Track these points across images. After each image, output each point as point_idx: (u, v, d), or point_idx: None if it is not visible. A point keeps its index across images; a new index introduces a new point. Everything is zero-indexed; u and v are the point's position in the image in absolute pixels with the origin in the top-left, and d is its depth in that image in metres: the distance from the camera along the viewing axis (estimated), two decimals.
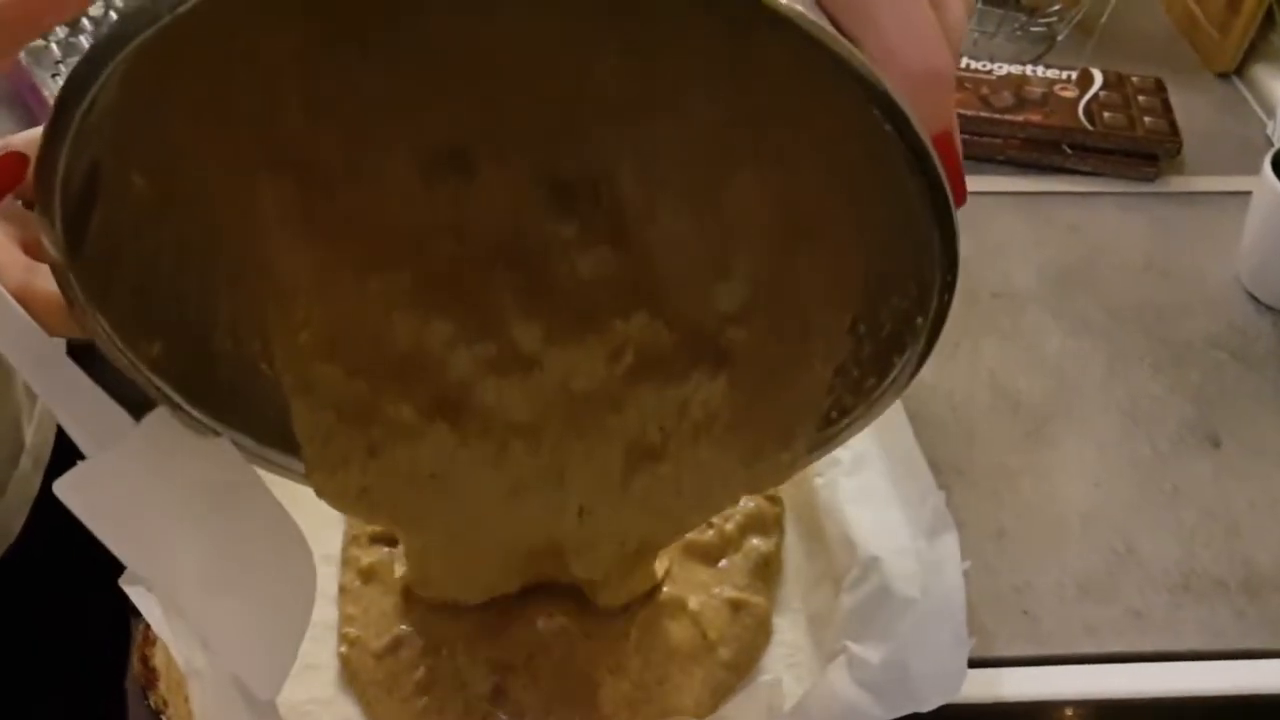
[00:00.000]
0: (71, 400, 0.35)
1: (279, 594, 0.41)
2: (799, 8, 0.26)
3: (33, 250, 0.35)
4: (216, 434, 0.40)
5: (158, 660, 0.48)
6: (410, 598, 0.54)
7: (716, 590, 0.55)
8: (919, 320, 0.36)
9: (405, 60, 0.34)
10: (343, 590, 0.56)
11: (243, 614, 0.40)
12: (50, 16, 0.32)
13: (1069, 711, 0.54)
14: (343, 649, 0.53)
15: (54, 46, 0.87)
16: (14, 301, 0.34)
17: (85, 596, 0.72)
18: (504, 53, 0.34)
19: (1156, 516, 0.61)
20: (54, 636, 0.71)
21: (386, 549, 0.58)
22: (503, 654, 0.53)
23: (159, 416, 0.38)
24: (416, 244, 0.38)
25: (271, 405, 0.41)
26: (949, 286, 0.33)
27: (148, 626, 0.48)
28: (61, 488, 0.35)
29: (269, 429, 0.42)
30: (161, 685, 0.48)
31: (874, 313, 0.39)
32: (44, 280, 0.34)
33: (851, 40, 0.28)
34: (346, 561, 0.58)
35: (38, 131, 0.30)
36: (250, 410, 0.42)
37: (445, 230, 0.38)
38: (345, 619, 0.55)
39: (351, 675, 0.53)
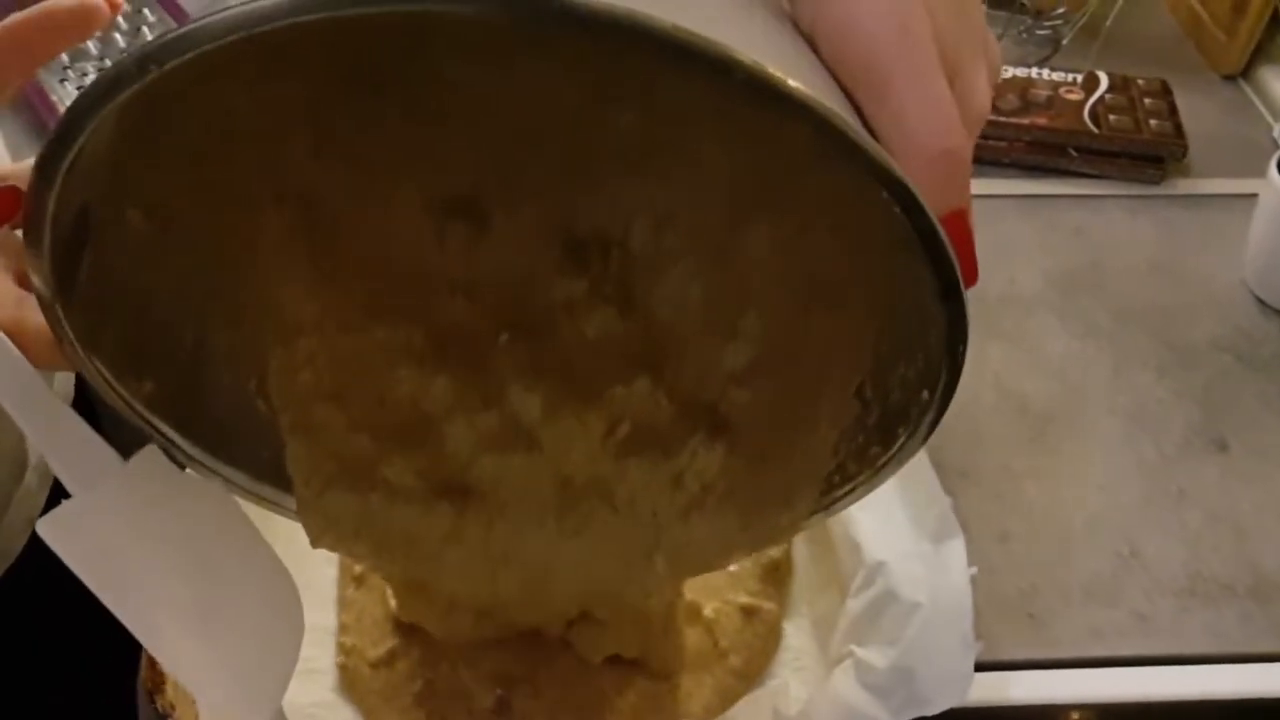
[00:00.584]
0: (57, 438, 0.35)
1: (265, 635, 0.40)
2: (813, 92, 0.26)
3: (25, 281, 0.34)
4: (209, 469, 0.40)
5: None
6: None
7: (730, 596, 0.55)
8: (925, 394, 0.36)
9: (420, 108, 0.34)
10: (340, 598, 0.56)
11: (227, 655, 0.39)
12: (66, 39, 0.31)
13: (1074, 715, 0.54)
14: (339, 659, 0.54)
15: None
16: (2, 337, 0.34)
17: (90, 608, 0.72)
18: (523, 104, 0.34)
19: (1162, 520, 0.61)
20: (59, 648, 0.71)
21: None
22: (505, 666, 0.52)
23: (146, 455, 0.37)
24: (424, 296, 0.38)
25: (266, 442, 0.41)
26: (956, 366, 0.33)
27: None
28: (44, 527, 0.34)
29: (263, 465, 0.42)
30: (169, 688, 0.48)
31: (882, 380, 0.39)
32: (35, 313, 0.33)
33: (867, 116, 0.28)
34: (342, 568, 0.58)
35: (30, 164, 0.29)
36: (244, 446, 0.41)
37: (453, 284, 0.38)
38: (341, 627, 0.55)
39: (349, 684, 0.53)
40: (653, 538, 0.42)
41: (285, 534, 0.59)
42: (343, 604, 0.56)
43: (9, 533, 0.62)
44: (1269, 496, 0.62)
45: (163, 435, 0.38)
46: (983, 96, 0.31)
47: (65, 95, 0.84)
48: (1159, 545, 0.60)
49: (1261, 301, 0.74)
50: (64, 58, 0.86)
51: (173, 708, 0.48)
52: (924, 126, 0.28)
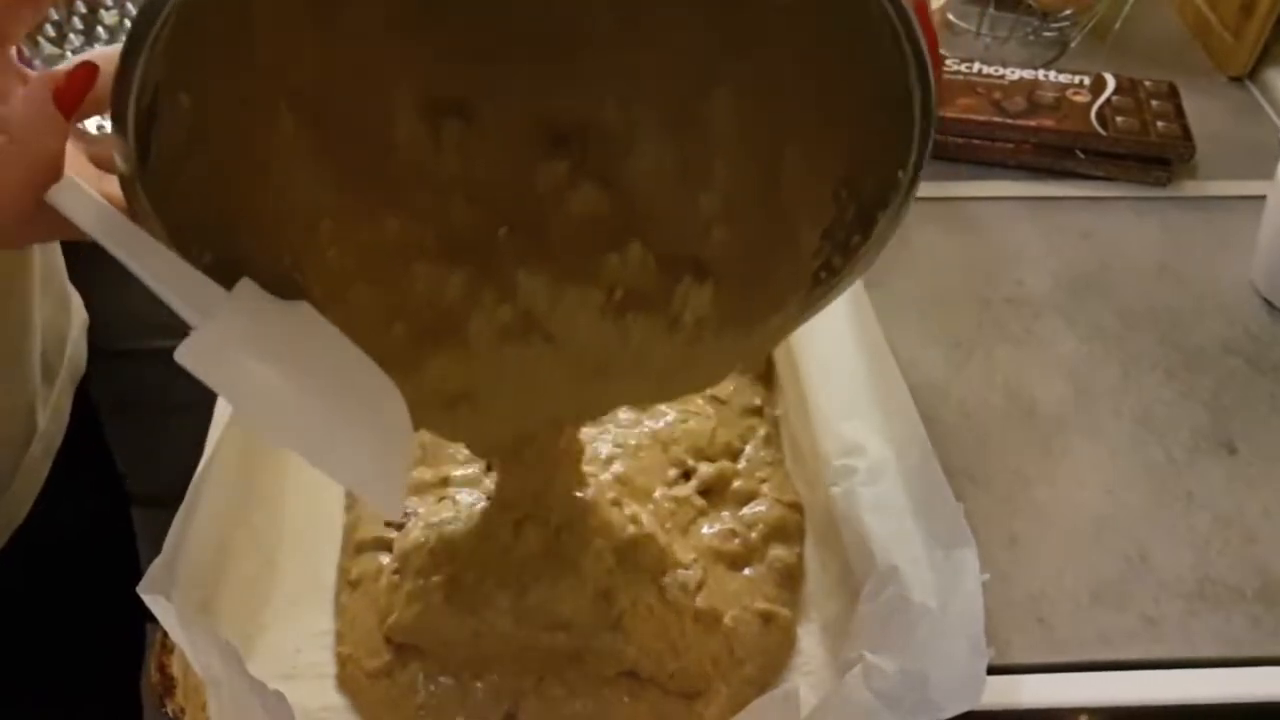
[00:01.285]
0: (170, 278, 0.38)
1: (381, 426, 0.44)
2: None
3: (102, 164, 0.39)
4: None
5: (175, 668, 0.49)
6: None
7: (748, 602, 0.55)
8: (900, 174, 0.40)
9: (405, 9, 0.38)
10: (335, 602, 0.56)
11: (357, 447, 0.43)
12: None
13: (1083, 718, 0.54)
14: (336, 668, 0.54)
15: (69, 55, 0.87)
16: (100, 197, 0.38)
17: (93, 591, 0.72)
18: None
19: (1171, 523, 0.61)
20: (62, 627, 0.71)
21: (376, 555, 0.57)
22: (512, 679, 0.52)
23: (244, 285, 0.40)
24: (428, 193, 0.42)
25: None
26: (927, 135, 0.38)
27: (165, 634, 0.48)
28: (183, 356, 0.38)
29: None
30: (179, 693, 0.48)
31: (855, 178, 0.42)
32: (112, 188, 0.38)
33: None
34: (340, 569, 0.58)
35: (112, 49, 0.35)
36: None
37: (451, 182, 0.42)
38: (337, 636, 0.55)
39: (350, 693, 0.53)
40: (664, 371, 0.48)
41: (292, 535, 0.59)
42: (338, 608, 0.56)
43: (16, 499, 0.62)
44: (1278, 499, 0.62)
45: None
46: None
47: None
48: (1167, 549, 0.60)
49: (1269, 304, 0.74)
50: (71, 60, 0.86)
51: (183, 711, 0.48)
52: None
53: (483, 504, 0.59)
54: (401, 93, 0.40)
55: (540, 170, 0.42)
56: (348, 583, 0.57)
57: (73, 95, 0.36)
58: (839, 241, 0.44)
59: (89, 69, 0.36)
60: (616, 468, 0.61)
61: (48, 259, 0.65)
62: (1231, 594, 0.57)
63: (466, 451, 0.62)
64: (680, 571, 0.56)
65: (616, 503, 0.58)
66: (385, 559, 0.57)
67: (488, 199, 0.43)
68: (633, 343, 0.47)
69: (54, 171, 0.37)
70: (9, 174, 0.36)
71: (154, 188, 0.38)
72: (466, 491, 0.60)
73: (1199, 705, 0.54)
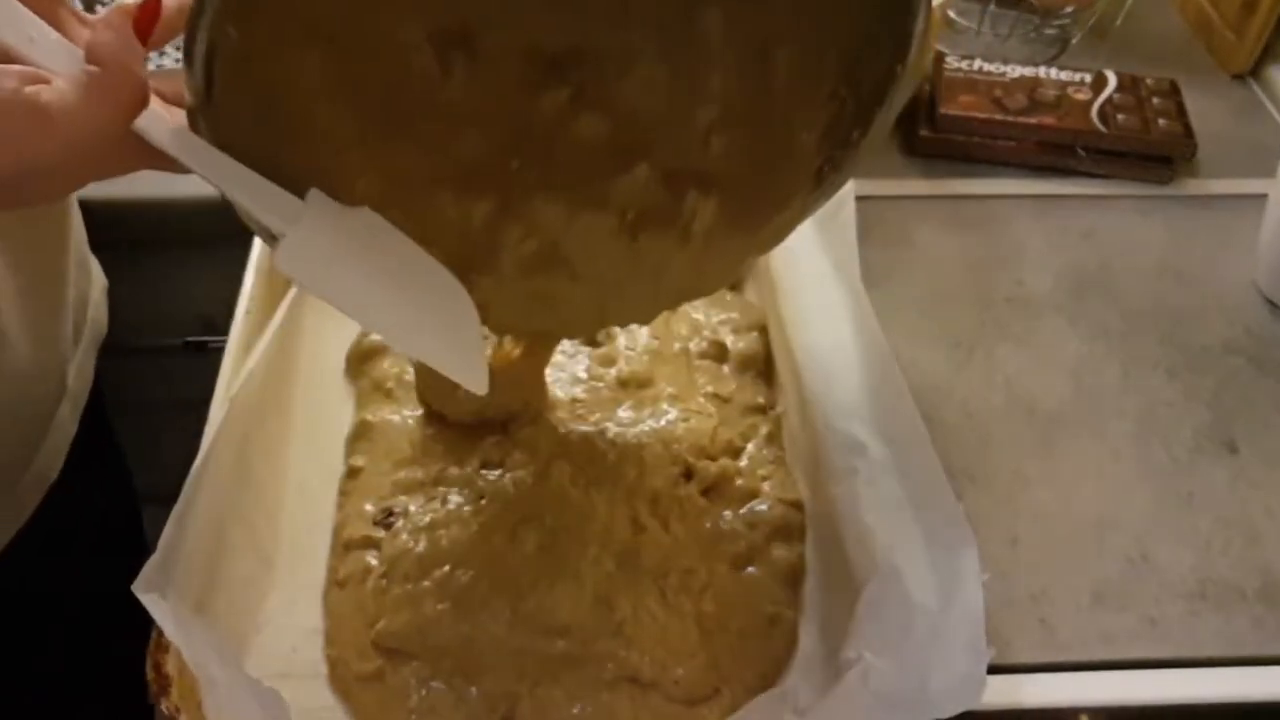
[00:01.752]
0: (254, 193, 0.41)
1: (453, 313, 0.47)
2: None
3: (170, 101, 0.42)
4: None
5: (170, 667, 0.48)
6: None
7: (754, 604, 0.55)
8: (899, 68, 0.42)
9: None
10: (323, 600, 0.56)
11: (438, 333, 0.47)
12: None
13: (1084, 718, 0.54)
14: (326, 669, 0.53)
15: None
16: (182, 116, 0.40)
17: (104, 588, 0.72)
18: None
19: (1173, 523, 0.60)
20: (72, 626, 0.71)
21: (364, 555, 0.57)
22: (507, 683, 0.52)
23: (315, 195, 0.43)
24: (442, 124, 0.44)
25: None
26: (925, 28, 0.40)
27: (159, 633, 0.48)
28: (280, 259, 0.41)
29: None
30: (174, 692, 0.48)
31: (852, 77, 0.44)
32: (180, 120, 0.41)
33: None
34: (329, 568, 0.57)
35: None
36: None
37: (462, 115, 0.44)
38: (326, 638, 0.55)
39: (342, 696, 0.53)
40: (678, 280, 0.51)
41: (288, 533, 0.59)
42: (325, 608, 0.56)
43: (48, 456, 0.62)
44: None
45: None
46: None
47: None
48: (1169, 548, 0.59)
49: (1271, 303, 0.73)
50: None
51: (178, 709, 0.48)
52: None
53: (472, 506, 0.58)
54: (408, 25, 0.42)
55: (543, 99, 0.44)
56: (335, 582, 0.57)
57: (148, 25, 0.38)
58: (839, 139, 0.46)
59: (155, 4, 0.38)
60: (624, 470, 0.60)
61: (72, 217, 0.65)
62: (1233, 594, 0.57)
63: (458, 451, 0.62)
64: (684, 573, 0.55)
65: (617, 503, 0.58)
66: (373, 559, 0.57)
67: (498, 130, 0.45)
68: (648, 261, 0.50)
69: (144, 99, 0.38)
70: (107, 101, 0.37)
71: (214, 119, 0.40)
72: (457, 491, 0.59)
73: (1200, 705, 0.54)
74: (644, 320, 0.57)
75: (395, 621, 0.53)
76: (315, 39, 0.41)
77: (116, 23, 0.37)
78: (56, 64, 0.37)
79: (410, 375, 0.65)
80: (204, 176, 0.40)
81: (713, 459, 0.61)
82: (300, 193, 0.43)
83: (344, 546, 0.58)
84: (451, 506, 0.58)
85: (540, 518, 0.57)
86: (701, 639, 0.53)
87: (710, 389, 0.65)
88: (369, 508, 0.59)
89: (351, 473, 0.62)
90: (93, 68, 0.37)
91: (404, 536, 0.57)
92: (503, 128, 0.45)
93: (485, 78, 0.43)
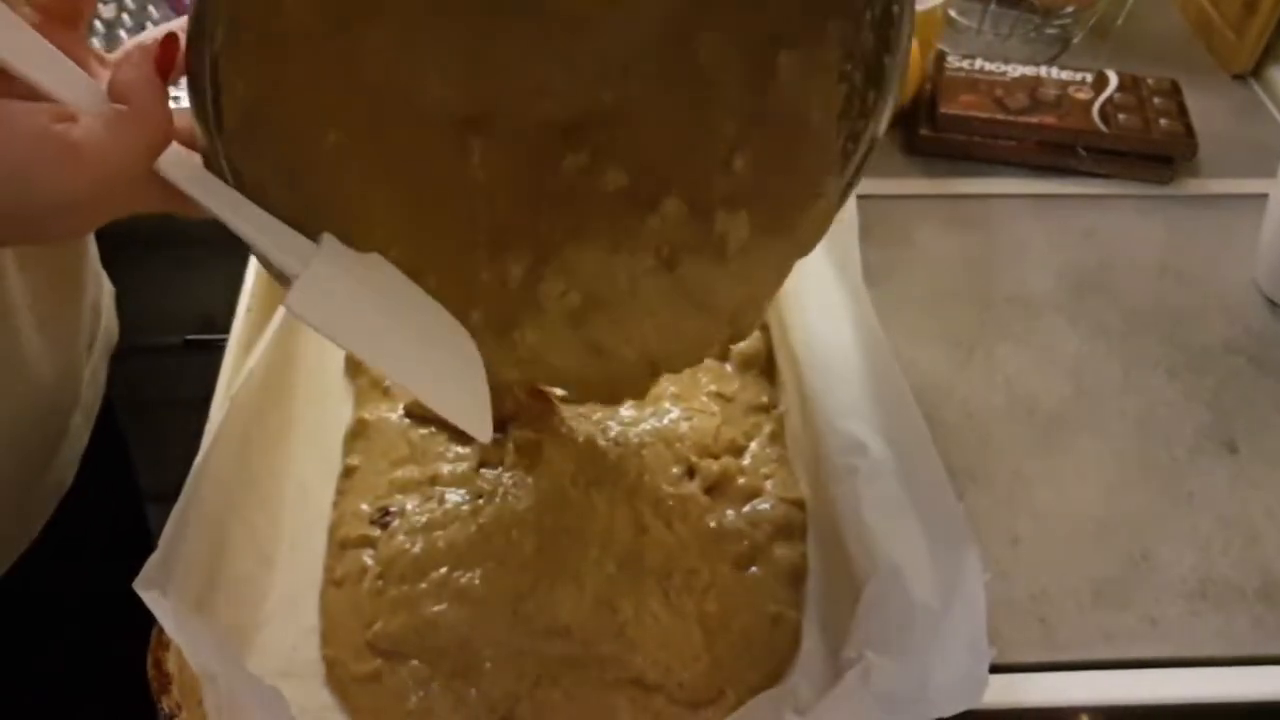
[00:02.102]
0: (263, 231, 0.41)
1: (460, 359, 0.48)
2: None
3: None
4: None
5: (170, 664, 0.48)
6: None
7: (760, 606, 0.55)
8: (895, 9, 0.42)
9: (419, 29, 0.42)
10: (320, 599, 0.56)
11: (446, 377, 0.47)
12: None
13: (1085, 718, 0.54)
14: (324, 670, 0.53)
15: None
16: (198, 158, 0.41)
17: (111, 588, 0.72)
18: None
19: (1173, 523, 0.61)
20: (81, 628, 0.71)
21: (360, 554, 0.57)
22: (506, 684, 0.52)
23: (328, 240, 0.43)
24: (470, 194, 0.45)
25: None
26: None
27: (160, 630, 0.48)
28: (292, 303, 0.41)
29: None
30: (174, 690, 0.48)
31: (855, 49, 0.44)
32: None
33: None
34: (326, 567, 0.57)
35: (181, 21, 0.38)
36: None
37: (490, 184, 0.45)
38: (322, 637, 0.54)
39: (340, 695, 0.52)
40: (723, 299, 0.51)
41: (289, 531, 0.59)
42: (322, 607, 0.56)
43: (62, 465, 0.62)
44: None
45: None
46: None
47: None
48: (1170, 548, 0.59)
49: (1272, 303, 0.73)
50: None
51: (179, 707, 0.48)
52: None
53: (470, 505, 0.58)
54: (423, 114, 0.43)
55: (563, 163, 0.45)
56: (331, 582, 0.56)
57: (169, 62, 0.38)
58: (856, 111, 0.46)
59: (174, 37, 0.38)
60: (626, 469, 0.60)
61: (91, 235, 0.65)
62: (1233, 593, 0.57)
63: (455, 450, 0.62)
64: (687, 573, 0.55)
65: (618, 502, 0.58)
66: (369, 559, 0.57)
67: (523, 196, 0.46)
68: (693, 289, 0.50)
69: (168, 135, 0.38)
70: (134, 137, 0.37)
71: (230, 159, 0.41)
72: (455, 491, 0.59)
73: (1200, 705, 0.54)
74: (697, 358, 0.56)
75: (392, 623, 0.53)
76: (329, 123, 0.42)
77: (138, 60, 0.38)
78: (83, 101, 0.37)
79: None
80: (219, 218, 0.41)
81: (715, 457, 0.61)
82: (316, 234, 0.43)
83: (339, 546, 0.58)
84: (449, 506, 0.58)
85: (540, 518, 0.57)
86: (705, 641, 0.53)
87: (713, 388, 0.65)
88: (365, 507, 0.59)
89: (347, 471, 0.61)
90: (119, 105, 0.37)
91: (400, 537, 0.57)
92: (528, 193, 0.46)
93: (505, 153, 0.44)
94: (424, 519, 0.57)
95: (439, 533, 0.57)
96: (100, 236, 0.70)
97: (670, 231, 0.48)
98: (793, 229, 0.50)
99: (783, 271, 0.52)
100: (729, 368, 0.67)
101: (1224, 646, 0.55)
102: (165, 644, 0.48)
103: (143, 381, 0.82)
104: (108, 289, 0.71)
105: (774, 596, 0.55)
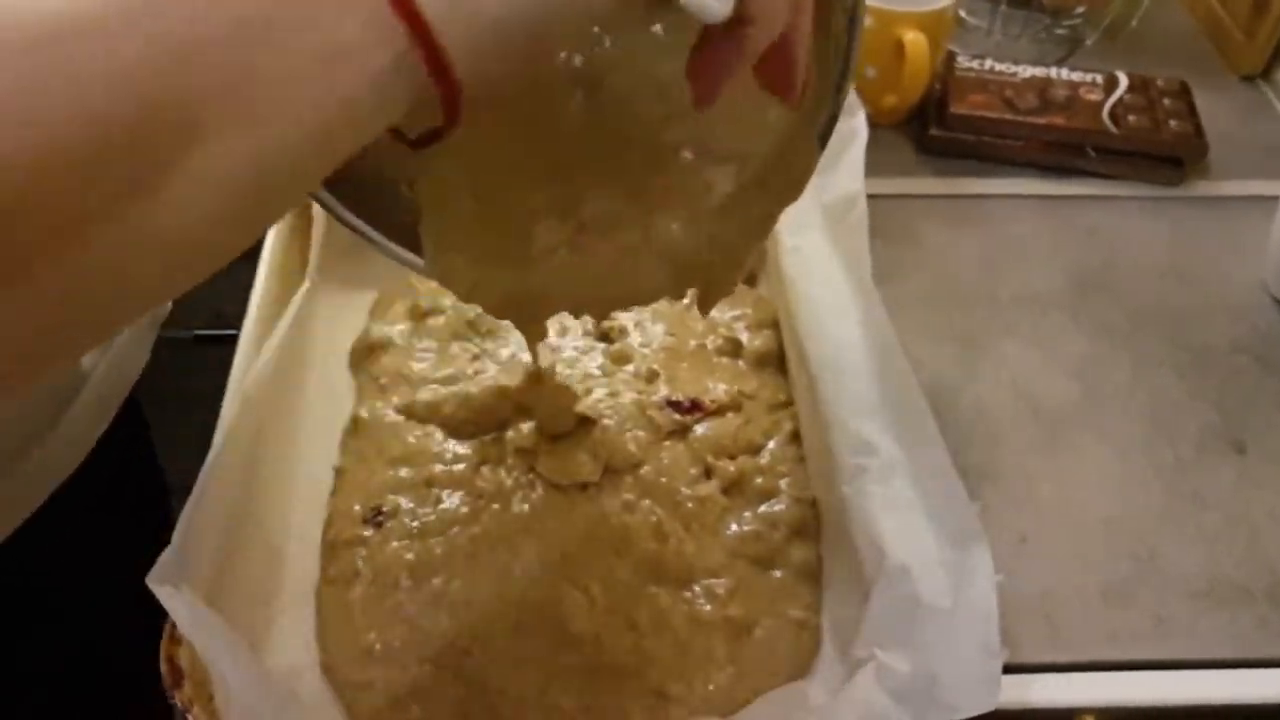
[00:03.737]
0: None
1: None
2: None
3: None
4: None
5: (183, 660, 0.49)
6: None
7: (780, 608, 0.54)
8: None
9: None
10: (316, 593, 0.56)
11: None
12: None
13: (1090, 718, 0.54)
14: (321, 673, 0.53)
15: None
16: None
17: (125, 581, 0.72)
18: None
19: (1179, 523, 0.61)
20: (94, 620, 0.71)
21: (353, 555, 0.57)
22: (513, 691, 0.51)
23: None
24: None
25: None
26: None
27: (174, 626, 0.48)
28: None
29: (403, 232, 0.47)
30: (187, 685, 0.48)
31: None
32: None
33: None
34: (320, 570, 0.57)
35: None
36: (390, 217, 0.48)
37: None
38: (318, 642, 0.54)
39: (341, 701, 0.52)
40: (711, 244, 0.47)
41: (299, 528, 0.59)
42: (316, 607, 0.55)
43: (64, 444, 0.61)
44: None
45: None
46: None
47: None
48: (1176, 548, 0.59)
49: None
50: None
51: (191, 702, 0.48)
52: None
53: (469, 508, 0.57)
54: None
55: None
56: (326, 581, 0.56)
57: None
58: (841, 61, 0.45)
59: None
60: (643, 469, 0.60)
61: None
62: (1240, 594, 0.57)
63: (454, 451, 0.62)
64: (710, 580, 0.55)
65: (636, 508, 0.57)
66: (361, 560, 0.56)
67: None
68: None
69: None
70: None
71: None
72: (449, 492, 0.59)
73: (1207, 706, 0.54)
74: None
75: (389, 635, 0.53)
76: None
77: None
78: None
79: (408, 370, 0.65)
80: None
81: (732, 457, 0.61)
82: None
83: (330, 546, 0.57)
84: (446, 508, 0.57)
85: (544, 523, 0.57)
86: (728, 650, 0.53)
87: (734, 387, 0.65)
88: (356, 507, 0.59)
89: (339, 470, 0.61)
90: None
91: (394, 541, 0.56)
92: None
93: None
94: (418, 523, 0.57)
95: (436, 539, 0.56)
96: None
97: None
98: (777, 184, 0.48)
99: (764, 229, 0.51)
100: (742, 364, 0.67)
101: (1231, 647, 0.55)
102: (178, 640, 0.49)
103: (152, 375, 0.82)
104: None
105: (797, 599, 0.55)
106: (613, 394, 0.63)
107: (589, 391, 0.64)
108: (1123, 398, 0.67)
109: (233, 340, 0.62)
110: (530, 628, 0.53)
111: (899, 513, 0.50)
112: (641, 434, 0.62)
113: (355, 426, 0.63)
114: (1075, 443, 0.65)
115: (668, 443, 0.62)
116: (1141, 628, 0.56)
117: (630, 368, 0.66)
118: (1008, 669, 0.52)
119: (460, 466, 0.60)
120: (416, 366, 0.66)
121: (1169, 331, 0.71)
